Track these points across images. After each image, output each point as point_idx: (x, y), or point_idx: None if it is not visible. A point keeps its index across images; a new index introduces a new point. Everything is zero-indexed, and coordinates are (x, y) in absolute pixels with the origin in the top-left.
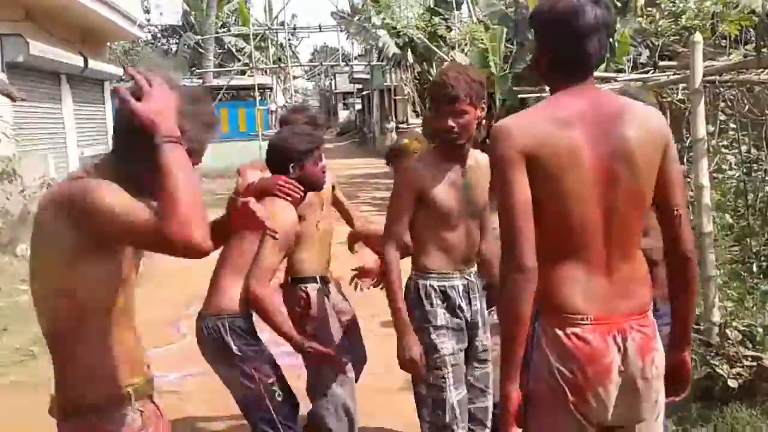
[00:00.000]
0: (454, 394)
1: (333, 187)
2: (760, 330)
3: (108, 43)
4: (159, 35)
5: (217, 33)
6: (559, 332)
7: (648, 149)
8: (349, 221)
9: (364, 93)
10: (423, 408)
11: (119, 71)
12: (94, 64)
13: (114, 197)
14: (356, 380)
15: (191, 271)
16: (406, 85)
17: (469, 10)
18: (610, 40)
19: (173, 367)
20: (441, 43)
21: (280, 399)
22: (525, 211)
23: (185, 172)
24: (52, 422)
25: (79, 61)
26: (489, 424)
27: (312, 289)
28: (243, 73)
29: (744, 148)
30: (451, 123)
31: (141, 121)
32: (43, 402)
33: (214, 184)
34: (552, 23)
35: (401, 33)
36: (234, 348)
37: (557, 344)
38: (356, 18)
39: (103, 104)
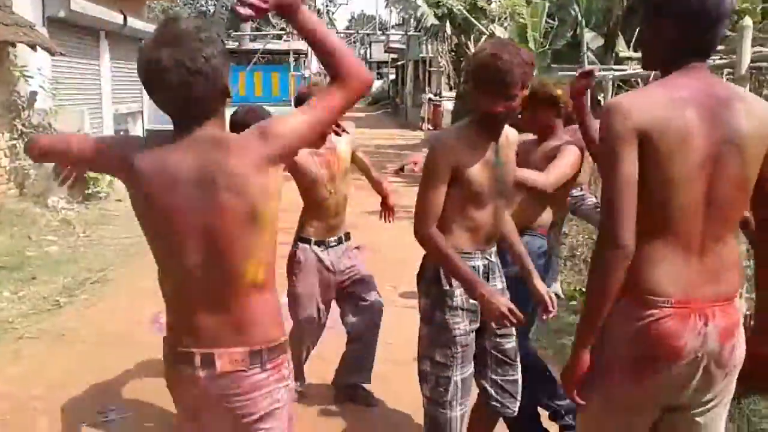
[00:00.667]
0: (459, 373)
1: (353, 157)
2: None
3: (147, 2)
4: None
5: None
6: (640, 311)
7: (756, 138)
8: (369, 180)
9: (399, 63)
10: (425, 383)
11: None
12: (132, 22)
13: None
14: (369, 341)
15: None
16: (441, 57)
17: None
18: None
19: None
20: (480, 15)
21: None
22: (630, 188)
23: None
24: (77, 367)
25: (118, 18)
26: (519, 396)
27: (302, 249)
28: (279, 38)
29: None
30: (502, 108)
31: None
32: (70, 349)
33: None
34: (682, 9)
35: (441, 3)
36: None
37: (636, 322)
38: None
39: None
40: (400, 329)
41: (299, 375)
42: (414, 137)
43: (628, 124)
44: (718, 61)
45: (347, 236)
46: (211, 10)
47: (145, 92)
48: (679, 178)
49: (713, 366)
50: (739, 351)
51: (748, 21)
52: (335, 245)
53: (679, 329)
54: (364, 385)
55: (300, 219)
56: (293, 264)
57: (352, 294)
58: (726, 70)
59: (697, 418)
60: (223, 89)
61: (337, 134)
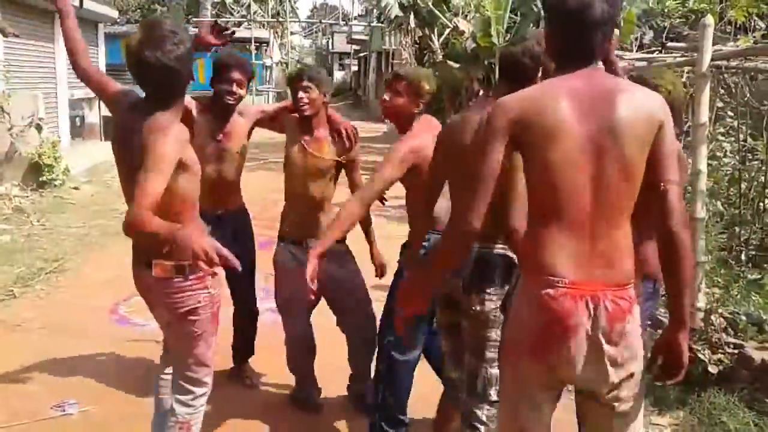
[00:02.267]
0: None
1: (342, 165)
2: (744, 318)
3: None
4: None
5: None
6: (536, 291)
7: (639, 127)
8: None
9: (362, 55)
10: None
11: (114, 13)
12: (89, 4)
13: None
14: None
15: None
16: (405, 49)
17: None
18: (617, 21)
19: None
20: (445, 8)
21: None
22: (490, 179)
23: None
24: (32, 359)
25: (74, 0)
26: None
27: (278, 247)
28: (239, 25)
29: (740, 136)
30: None
31: None
32: (24, 339)
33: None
34: (561, 15)
35: None
36: None
37: (532, 301)
38: None
39: (97, 46)
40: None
41: (311, 386)
42: (376, 129)
43: (504, 119)
44: (679, 59)
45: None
46: None
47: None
48: (559, 163)
49: (606, 345)
50: (632, 338)
51: (709, 20)
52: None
53: (572, 308)
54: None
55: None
56: (274, 263)
57: (338, 302)
58: (687, 68)
59: (616, 407)
60: (190, 76)
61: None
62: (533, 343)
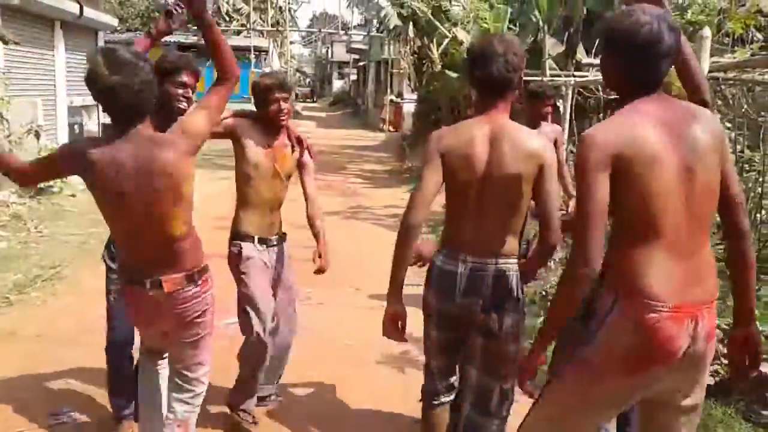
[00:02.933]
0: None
1: (302, 165)
2: None
3: None
4: None
5: None
6: (638, 315)
7: (713, 147)
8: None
9: (361, 64)
10: None
11: (114, 22)
12: (89, 12)
13: None
14: (287, 347)
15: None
16: (403, 59)
17: None
18: None
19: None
20: (443, 18)
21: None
22: (601, 214)
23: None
24: (28, 367)
25: (74, 8)
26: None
27: (246, 246)
28: (239, 33)
29: (738, 147)
30: None
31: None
32: (20, 348)
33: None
34: (631, 48)
35: (404, 5)
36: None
37: (634, 325)
38: None
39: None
40: (360, 331)
41: (250, 391)
42: (375, 138)
43: (601, 153)
44: None
45: (284, 237)
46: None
47: None
48: (659, 191)
49: (695, 365)
50: (713, 346)
51: (707, 32)
52: (274, 245)
53: (676, 332)
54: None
55: (236, 214)
56: (240, 262)
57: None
58: None
59: (683, 416)
60: (153, 99)
61: (293, 147)
62: (633, 366)
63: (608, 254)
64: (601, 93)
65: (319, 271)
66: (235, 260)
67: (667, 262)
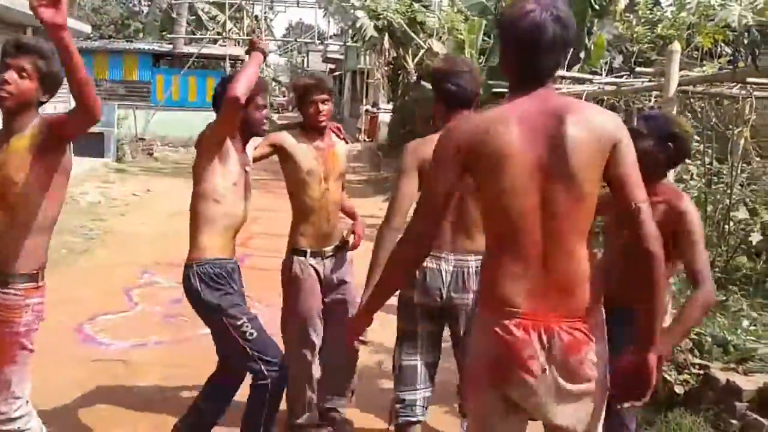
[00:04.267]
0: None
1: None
2: (709, 339)
3: (78, 0)
4: None
5: None
6: (490, 321)
7: (590, 147)
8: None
9: (337, 73)
10: None
11: (87, 28)
12: None
13: None
14: (348, 357)
15: (150, 237)
16: (378, 69)
17: None
18: (588, 46)
19: (123, 336)
20: (419, 29)
21: (252, 337)
22: (434, 205)
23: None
24: None
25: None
26: None
27: (298, 262)
28: (214, 42)
29: (706, 160)
30: None
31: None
32: None
33: (177, 154)
34: (513, 37)
35: (380, 16)
36: (203, 295)
37: (486, 332)
38: None
39: None
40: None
41: (305, 409)
42: (351, 148)
43: (452, 145)
44: (647, 84)
45: (345, 245)
46: (145, 11)
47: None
48: (509, 190)
49: (562, 379)
50: (587, 369)
51: (676, 46)
52: (331, 255)
53: (524, 340)
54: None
55: (291, 229)
56: (289, 278)
57: (332, 314)
58: (655, 93)
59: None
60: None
61: (338, 137)
62: (491, 374)
63: (481, 261)
64: None
65: (354, 247)
66: (284, 276)
67: (521, 269)
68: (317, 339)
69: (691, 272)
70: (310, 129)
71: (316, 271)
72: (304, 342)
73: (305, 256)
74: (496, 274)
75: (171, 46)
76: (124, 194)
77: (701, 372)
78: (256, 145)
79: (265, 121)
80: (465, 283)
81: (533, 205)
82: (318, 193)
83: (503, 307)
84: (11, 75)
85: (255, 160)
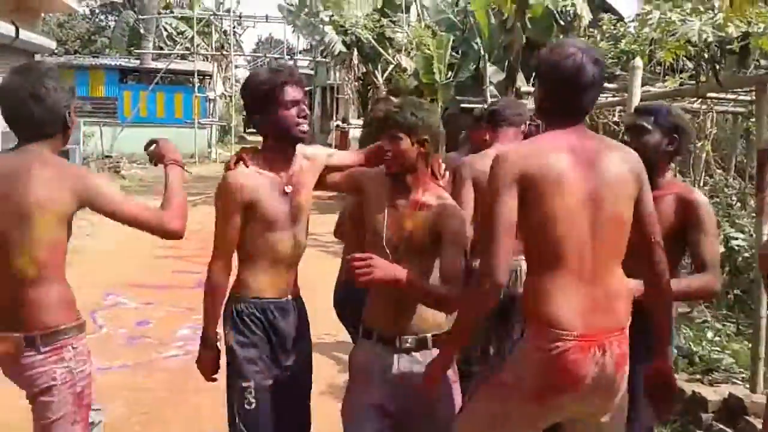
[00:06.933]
0: None
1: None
2: (675, 351)
3: (43, 15)
4: (97, 10)
5: (159, 14)
6: (544, 343)
7: (626, 181)
8: None
9: (307, 89)
10: None
11: (52, 44)
12: (25, 34)
13: None
14: None
15: (115, 258)
16: (348, 85)
17: (418, 15)
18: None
19: None
20: (387, 45)
21: (250, 407)
22: (509, 230)
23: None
24: None
25: (10, 30)
26: None
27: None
28: (183, 57)
29: (670, 174)
30: None
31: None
32: None
33: (145, 172)
34: (556, 78)
35: (348, 32)
36: (224, 338)
37: (540, 353)
38: (304, 12)
39: None
40: None
41: None
42: None
43: (512, 171)
44: (610, 99)
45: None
46: (111, 26)
47: None
48: (562, 216)
49: (605, 392)
50: (626, 376)
51: (638, 62)
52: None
53: (581, 360)
54: None
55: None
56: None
57: None
58: (618, 108)
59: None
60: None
61: None
62: (540, 393)
63: (525, 281)
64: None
65: None
66: None
67: (572, 289)
68: None
69: (700, 261)
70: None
71: (387, 365)
72: None
73: (367, 340)
74: (547, 295)
75: (138, 61)
76: (91, 214)
77: None
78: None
79: (300, 121)
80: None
81: (584, 230)
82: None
83: (556, 329)
84: None
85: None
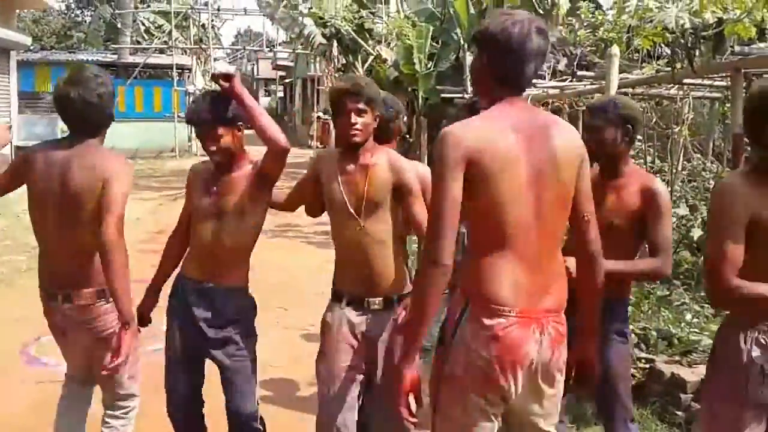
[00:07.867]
0: None
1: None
2: (654, 333)
3: (18, 11)
4: (72, 5)
5: (136, 8)
6: (486, 321)
7: (570, 160)
8: None
9: (287, 81)
10: None
11: (27, 40)
12: (0, 31)
13: None
14: None
15: None
16: (328, 76)
17: (397, 5)
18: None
19: None
20: (367, 36)
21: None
22: (454, 210)
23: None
24: None
25: None
26: None
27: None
28: (161, 51)
29: (648, 158)
30: None
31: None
32: None
33: None
34: (501, 47)
35: (328, 23)
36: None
37: (482, 332)
38: (282, 4)
39: (8, 74)
40: (288, 353)
41: None
42: (303, 155)
43: (457, 151)
44: (588, 86)
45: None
46: (87, 21)
47: (14, 107)
48: (510, 198)
49: (541, 373)
50: (564, 357)
51: (615, 50)
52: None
53: (523, 337)
54: None
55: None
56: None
57: None
58: (596, 95)
59: (540, 423)
60: (112, 114)
61: None
62: (486, 375)
63: (463, 261)
64: None
65: None
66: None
67: (515, 269)
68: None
69: (653, 246)
70: (347, 146)
71: (354, 326)
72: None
73: (337, 303)
74: (491, 275)
75: (116, 56)
76: None
77: (647, 366)
78: None
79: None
80: None
81: (529, 209)
82: (348, 227)
83: (498, 306)
84: None
85: None
